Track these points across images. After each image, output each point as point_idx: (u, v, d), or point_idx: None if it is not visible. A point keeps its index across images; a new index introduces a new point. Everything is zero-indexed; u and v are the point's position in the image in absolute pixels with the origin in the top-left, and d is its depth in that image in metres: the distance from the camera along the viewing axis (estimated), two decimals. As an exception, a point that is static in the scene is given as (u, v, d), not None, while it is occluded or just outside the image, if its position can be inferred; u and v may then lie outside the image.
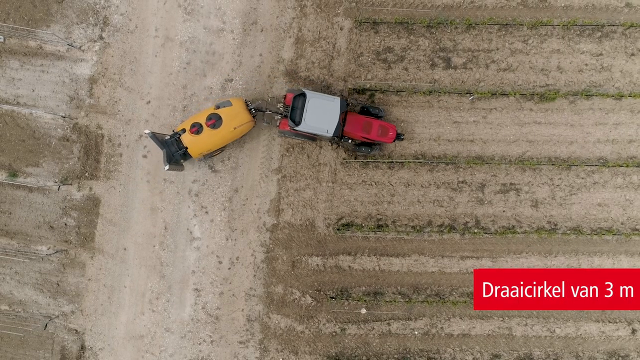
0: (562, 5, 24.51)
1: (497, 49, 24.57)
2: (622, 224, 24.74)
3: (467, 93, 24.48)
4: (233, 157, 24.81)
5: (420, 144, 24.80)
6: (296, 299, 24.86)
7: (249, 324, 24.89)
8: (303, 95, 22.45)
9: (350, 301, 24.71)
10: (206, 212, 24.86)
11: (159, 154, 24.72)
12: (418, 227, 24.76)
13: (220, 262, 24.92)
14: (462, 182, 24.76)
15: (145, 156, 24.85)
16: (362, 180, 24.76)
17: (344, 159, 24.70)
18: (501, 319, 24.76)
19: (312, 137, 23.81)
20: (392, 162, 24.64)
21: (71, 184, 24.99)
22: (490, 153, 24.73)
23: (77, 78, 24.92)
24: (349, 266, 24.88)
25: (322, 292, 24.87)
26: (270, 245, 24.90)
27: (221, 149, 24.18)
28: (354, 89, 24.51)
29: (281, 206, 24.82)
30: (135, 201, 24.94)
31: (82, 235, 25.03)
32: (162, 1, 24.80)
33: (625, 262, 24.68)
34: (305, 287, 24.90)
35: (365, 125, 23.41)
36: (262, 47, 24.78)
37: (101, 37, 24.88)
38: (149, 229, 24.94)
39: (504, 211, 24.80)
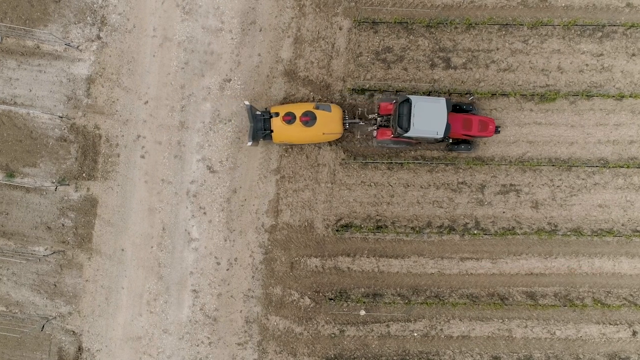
0: (563, 5, 24.37)
1: (497, 49, 24.44)
2: (622, 225, 24.61)
3: (467, 93, 24.35)
4: (231, 158, 24.68)
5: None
6: (295, 300, 24.74)
7: (247, 326, 24.77)
8: (407, 100, 22.31)
9: (349, 302, 24.58)
10: (204, 213, 24.74)
11: (156, 154, 24.64)
12: (417, 228, 24.64)
13: (219, 263, 24.80)
14: (462, 183, 24.63)
15: (143, 157, 24.73)
16: (362, 181, 24.63)
17: (343, 159, 24.57)
18: (501, 320, 24.63)
19: (410, 142, 23.80)
20: (391, 162, 24.51)
21: (68, 185, 24.87)
22: (490, 154, 24.59)
23: (74, 78, 24.79)
24: (348, 267, 24.75)
25: (320, 294, 24.74)
26: (269, 247, 24.78)
27: (300, 145, 24.29)
28: (353, 89, 24.39)
29: (280, 207, 24.70)
30: (132, 202, 24.82)
31: (80, 236, 24.91)
32: (160, 1, 24.66)
33: (625, 264, 24.55)
34: (304, 288, 24.77)
35: (466, 122, 23.28)
36: (260, 47, 24.65)
37: (99, 37, 24.75)
38: (147, 230, 24.82)
39: (503, 212, 24.67)
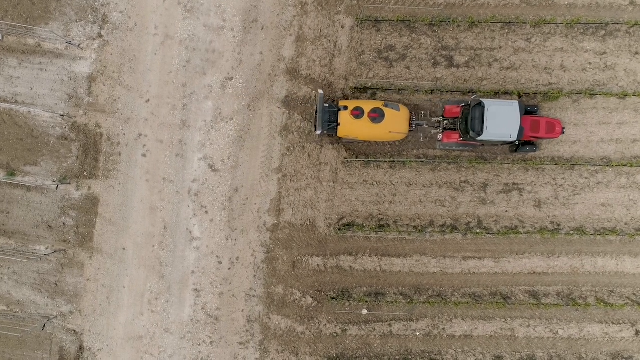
0: (566, 3, 24.29)
1: (500, 48, 24.36)
2: (625, 224, 24.53)
3: (469, 92, 24.27)
4: (233, 157, 24.61)
5: (484, 147, 24.51)
6: (297, 299, 24.67)
7: (249, 325, 24.70)
8: (479, 104, 22.21)
9: (351, 302, 24.52)
10: (206, 212, 24.67)
11: (158, 153, 24.57)
12: (420, 227, 24.57)
13: (220, 263, 24.74)
14: (465, 181, 24.55)
15: (144, 155, 24.65)
16: (364, 180, 24.56)
17: (345, 158, 24.51)
18: (504, 319, 24.56)
19: (475, 145, 23.82)
20: (393, 161, 24.44)
21: (70, 183, 24.80)
22: (493, 152, 24.50)
23: (75, 76, 24.73)
24: (350, 266, 24.69)
25: (322, 293, 24.68)
26: (271, 246, 24.71)
27: (362, 142, 24.27)
28: (355, 88, 24.32)
29: (282, 206, 24.63)
30: (134, 201, 24.75)
31: (81, 235, 24.85)
32: (162, -1, 24.62)
33: (629, 263, 24.48)
34: (306, 287, 24.70)
35: (533, 124, 23.14)
36: (262, 45, 24.58)
37: (100, 35, 24.68)
38: (148, 229, 24.75)
39: (506, 211, 24.59)
